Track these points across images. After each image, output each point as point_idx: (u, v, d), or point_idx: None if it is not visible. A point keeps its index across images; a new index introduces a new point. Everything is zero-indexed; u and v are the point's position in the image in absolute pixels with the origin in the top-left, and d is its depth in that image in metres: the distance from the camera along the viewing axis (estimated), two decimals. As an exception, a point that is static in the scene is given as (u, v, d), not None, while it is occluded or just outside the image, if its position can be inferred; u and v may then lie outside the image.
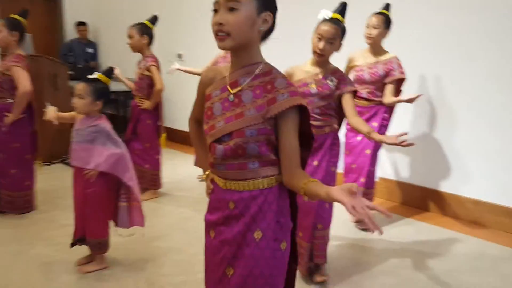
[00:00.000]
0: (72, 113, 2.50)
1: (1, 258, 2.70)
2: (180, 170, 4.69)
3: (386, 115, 3.09)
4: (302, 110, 1.28)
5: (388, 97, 3.03)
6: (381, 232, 1.04)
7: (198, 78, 4.99)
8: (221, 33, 1.22)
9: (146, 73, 3.53)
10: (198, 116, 1.54)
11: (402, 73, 3.01)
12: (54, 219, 3.27)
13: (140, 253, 2.77)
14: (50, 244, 2.86)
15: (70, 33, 7.04)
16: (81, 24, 6.84)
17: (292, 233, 1.41)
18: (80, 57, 6.76)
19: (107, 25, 7.00)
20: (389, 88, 3.03)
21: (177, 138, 5.72)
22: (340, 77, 2.28)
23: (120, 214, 2.49)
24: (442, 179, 3.59)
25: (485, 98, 3.29)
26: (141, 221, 2.51)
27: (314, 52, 2.24)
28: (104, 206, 2.48)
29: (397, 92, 3.09)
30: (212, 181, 1.43)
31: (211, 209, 1.43)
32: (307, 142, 1.35)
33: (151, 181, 3.74)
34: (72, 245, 2.57)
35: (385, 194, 3.84)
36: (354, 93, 2.31)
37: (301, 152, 1.30)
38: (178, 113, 5.71)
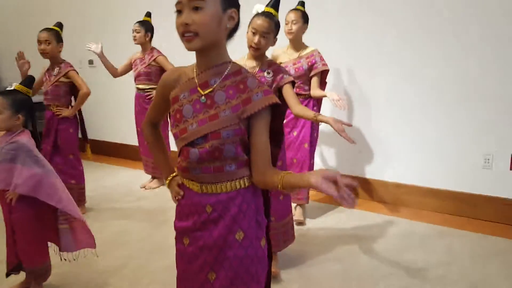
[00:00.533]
0: None
1: None
2: (106, 182, 4.47)
3: (315, 108, 3.22)
4: (273, 108, 1.29)
5: (314, 90, 3.15)
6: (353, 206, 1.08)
7: (119, 87, 4.81)
8: (188, 34, 1.18)
9: (63, 79, 3.36)
10: (155, 119, 1.49)
11: (325, 65, 3.14)
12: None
13: (81, 276, 2.59)
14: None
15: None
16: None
17: (267, 230, 1.41)
18: (-25, 68, 6.14)
19: (4, 35, 6.41)
20: (314, 81, 3.15)
21: (98, 149, 5.45)
22: (276, 69, 2.31)
23: (62, 237, 2.28)
24: (366, 166, 3.82)
25: (397, 88, 3.57)
26: (91, 241, 2.30)
27: (250, 47, 2.26)
28: (34, 231, 2.23)
29: (323, 83, 3.23)
30: (181, 186, 1.38)
31: (182, 215, 1.38)
32: (277, 139, 1.36)
33: (78, 196, 3.51)
34: (7, 274, 2.32)
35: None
36: (293, 84, 2.35)
37: (271, 149, 1.31)
38: (100, 123, 5.44)
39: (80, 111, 3.52)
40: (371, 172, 3.80)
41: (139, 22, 3.95)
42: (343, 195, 1.05)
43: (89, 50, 3.87)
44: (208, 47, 1.23)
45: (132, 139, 4.73)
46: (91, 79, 4.82)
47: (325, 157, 4.01)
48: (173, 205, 3.94)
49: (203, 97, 1.27)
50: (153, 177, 4.28)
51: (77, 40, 5.04)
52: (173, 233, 1.45)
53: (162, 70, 3.98)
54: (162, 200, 3.89)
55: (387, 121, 3.66)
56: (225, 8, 1.21)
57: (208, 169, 1.28)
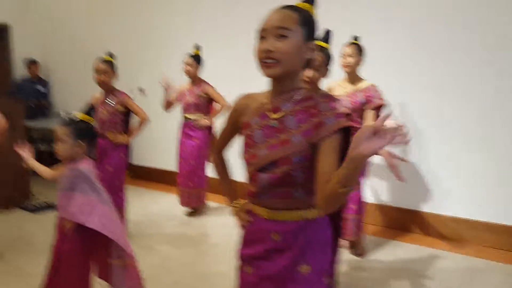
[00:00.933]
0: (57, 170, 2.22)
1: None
2: (150, 207, 4.47)
3: None
4: (343, 132, 1.25)
5: (368, 122, 3.07)
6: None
7: (166, 116, 4.84)
8: (270, 60, 1.19)
9: (120, 108, 3.41)
10: (224, 145, 1.50)
11: (381, 99, 3.07)
12: (21, 267, 2.96)
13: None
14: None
15: (20, 70, 6.70)
16: (31, 62, 6.53)
17: (332, 267, 1.36)
18: (31, 95, 6.40)
19: (58, 63, 6.73)
20: (369, 114, 3.08)
21: (142, 175, 5.52)
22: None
23: (114, 273, 2.19)
24: (421, 200, 3.64)
25: (454, 120, 3.42)
26: (138, 283, 2.18)
27: (303, 81, 2.24)
28: (81, 267, 2.15)
29: (377, 117, 3.15)
30: (249, 212, 1.35)
31: (248, 242, 1.35)
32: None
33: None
34: None
35: (366, 217, 3.84)
36: (348, 116, 2.30)
37: None
38: (144, 149, 5.53)
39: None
40: (425, 206, 3.62)
41: (192, 56, 4.02)
42: (394, 138, 0.92)
43: (174, 88, 3.97)
44: (285, 74, 1.23)
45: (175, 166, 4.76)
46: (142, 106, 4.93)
47: (377, 190, 3.86)
48: (217, 233, 3.91)
49: (274, 122, 1.26)
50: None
51: (127, 69, 5.21)
52: (218, 261, 1.41)
53: (210, 100, 4.04)
54: (206, 227, 3.84)
55: (442, 153, 3.50)
56: (307, 39, 1.23)
57: (278, 194, 1.26)
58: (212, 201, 4.36)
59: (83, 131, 2.17)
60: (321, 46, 2.27)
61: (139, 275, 2.19)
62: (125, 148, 3.51)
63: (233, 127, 1.40)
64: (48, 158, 6.38)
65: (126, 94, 3.46)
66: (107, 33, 5.85)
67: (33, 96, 6.45)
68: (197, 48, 4.12)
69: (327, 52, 2.29)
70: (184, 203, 4.16)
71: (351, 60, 3.06)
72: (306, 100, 1.27)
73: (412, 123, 3.61)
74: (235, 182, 1.56)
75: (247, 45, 4.91)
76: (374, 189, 3.88)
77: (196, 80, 4.06)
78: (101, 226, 2.06)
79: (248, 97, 1.37)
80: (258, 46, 1.21)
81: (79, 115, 2.23)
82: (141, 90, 5.49)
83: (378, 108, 3.13)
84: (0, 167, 4.13)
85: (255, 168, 1.27)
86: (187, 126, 4.10)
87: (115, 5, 5.77)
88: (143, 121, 3.44)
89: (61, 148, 2.12)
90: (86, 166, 2.15)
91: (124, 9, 5.67)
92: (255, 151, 1.27)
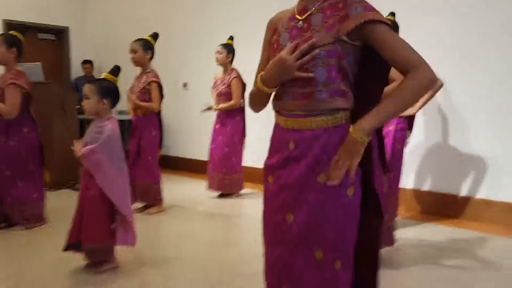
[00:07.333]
0: None
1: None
2: (179, 191, 4.64)
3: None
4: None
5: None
6: None
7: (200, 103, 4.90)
8: None
9: (148, 87, 3.59)
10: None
11: None
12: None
13: (151, 260, 2.68)
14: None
15: (76, 70, 7.22)
16: (86, 62, 7.02)
17: (369, 184, 1.26)
18: (85, 93, 6.89)
19: (111, 63, 7.16)
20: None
21: (170, 164, 5.77)
22: None
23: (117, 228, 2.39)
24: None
25: (493, 100, 3.39)
26: (132, 239, 2.42)
27: None
28: (101, 211, 2.33)
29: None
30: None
31: (272, 152, 1.34)
32: (381, 75, 1.27)
33: (157, 195, 3.71)
34: (66, 250, 2.42)
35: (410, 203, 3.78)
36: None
37: (373, 86, 1.25)
38: (172, 139, 5.81)
39: (160, 119, 3.71)
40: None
41: (223, 44, 4.15)
42: None
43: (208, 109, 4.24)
44: None
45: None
46: (183, 100, 5.18)
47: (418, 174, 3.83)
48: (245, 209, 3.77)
49: (300, 22, 1.25)
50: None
51: (176, 63, 5.50)
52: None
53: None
54: (237, 205, 3.99)
55: (483, 136, 3.48)
56: None
57: (298, 95, 1.22)
58: (247, 188, 4.48)
59: (106, 89, 2.35)
60: None
61: (132, 230, 2.41)
62: (157, 125, 3.66)
63: (269, 45, 1.36)
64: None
65: (155, 76, 3.61)
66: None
67: (87, 93, 6.92)
68: (230, 38, 4.23)
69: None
70: (213, 187, 4.23)
71: None
72: None
73: (452, 104, 3.60)
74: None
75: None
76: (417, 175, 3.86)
77: (227, 69, 4.15)
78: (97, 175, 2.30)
79: (281, 12, 1.36)
80: None
81: (104, 74, 2.43)
82: (184, 84, 5.77)
83: None
84: (54, 150, 4.48)
85: None
86: (222, 114, 4.19)
87: (160, 12, 6.14)
88: (150, 107, 3.57)
89: (86, 105, 2.32)
90: (110, 126, 2.33)
91: (169, 16, 6.01)
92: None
